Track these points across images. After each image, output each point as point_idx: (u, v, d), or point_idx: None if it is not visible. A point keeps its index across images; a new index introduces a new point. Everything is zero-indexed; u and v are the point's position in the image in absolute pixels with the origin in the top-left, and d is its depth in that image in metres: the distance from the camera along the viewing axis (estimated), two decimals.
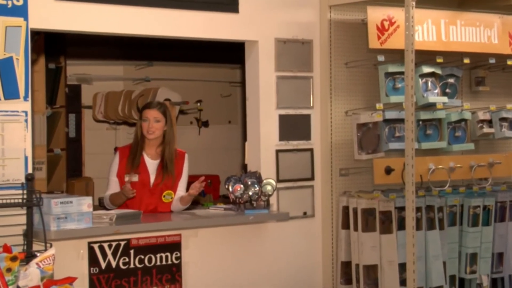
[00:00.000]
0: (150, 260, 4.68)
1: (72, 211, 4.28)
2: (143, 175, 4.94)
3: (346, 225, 5.45)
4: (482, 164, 5.91)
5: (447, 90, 5.86)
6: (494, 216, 5.86)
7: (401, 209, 5.35)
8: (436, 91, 5.76)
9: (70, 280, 4.14)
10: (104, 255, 4.54)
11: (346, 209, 5.44)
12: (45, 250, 4.08)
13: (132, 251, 4.62)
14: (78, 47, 7.66)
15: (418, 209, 5.44)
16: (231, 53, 7.19)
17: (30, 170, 4.34)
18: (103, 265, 4.53)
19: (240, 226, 5.09)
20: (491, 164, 5.96)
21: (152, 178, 4.96)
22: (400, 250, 5.35)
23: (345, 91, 5.59)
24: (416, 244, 4.95)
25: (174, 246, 4.78)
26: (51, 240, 4.16)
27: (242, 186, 5.02)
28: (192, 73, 8.85)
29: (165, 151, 4.97)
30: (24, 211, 4.19)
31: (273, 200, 5.24)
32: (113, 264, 4.56)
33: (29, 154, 4.36)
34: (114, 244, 4.56)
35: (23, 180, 4.22)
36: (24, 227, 4.20)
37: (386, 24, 5.45)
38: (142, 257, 4.66)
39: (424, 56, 5.60)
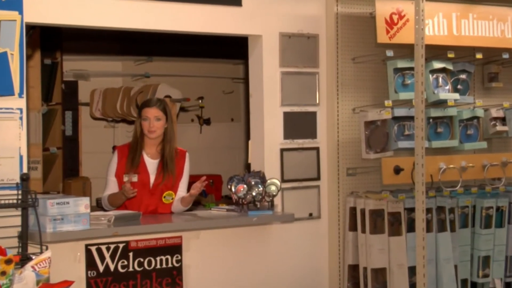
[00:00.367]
0: (149, 263, 4.69)
1: (69, 212, 4.28)
2: (142, 175, 4.94)
3: (353, 227, 5.45)
4: (495, 164, 5.91)
5: (459, 87, 5.85)
6: (508, 218, 5.86)
7: (411, 210, 5.35)
8: (447, 87, 5.76)
9: (67, 284, 4.14)
10: (102, 258, 4.54)
11: (353, 210, 5.44)
12: (41, 252, 4.08)
13: (131, 254, 4.63)
14: (75, 41, 7.67)
15: (429, 210, 5.44)
16: (234, 48, 7.18)
17: (25, 170, 4.34)
18: (101, 268, 4.53)
19: (243, 228, 5.10)
20: (505, 164, 5.96)
21: (152, 178, 4.97)
22: (410, 253, 5.35)
23: (353, 87, 5.59)
24: (426, 247, 4.95)
25: (175, 249, 4.78)
26: (47, 242, 4.15)
27: (245, 186, 5.02)
28: (194, 69, 8.87)
29: (165, 149, 4.98)
30: (19, 212, 4.19)
31: (277, 201, 5.24)
32: (111, 267, 4.56)
33: (24, 153, 4.36)
34: (112, 246, 4.57)
35: (18, 180, 4.23)
36: (19, 228, 4.20)
37: (395, 17, 5.45)
38: (142, 260, 4.66)
39: (435, 51, 5.60)
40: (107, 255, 4.55)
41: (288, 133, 5.41)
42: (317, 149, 5.53)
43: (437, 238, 5.55)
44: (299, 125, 5.45)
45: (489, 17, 5.81)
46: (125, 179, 4.85)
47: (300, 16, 5.46)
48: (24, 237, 4.18)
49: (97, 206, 6.48)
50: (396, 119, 5.58)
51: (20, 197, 4.14)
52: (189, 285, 4.82)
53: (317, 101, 5.52)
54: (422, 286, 4.92)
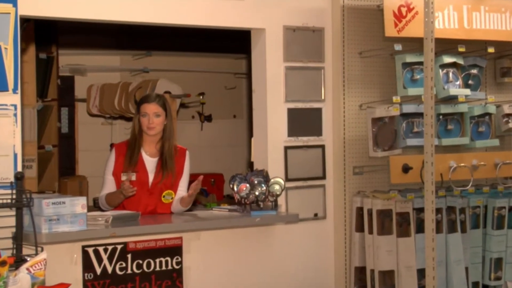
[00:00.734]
0: (148, 265, 4.69)
1: (65, 213, 4.28)
2: (141, 173, 4.95)
3: (360, 228, 5.45)
4: (508, 162, 5.91)
5: (470, 82, 5.85)
6: None
7: (420, 210, 5.36)
8: (458, 82, 5.75)
9: (63, 286, 4.15)
10: (99, 260, 4.55)
11: (360, 210, 5.45)
12: (36, 254, 4.09)
13: (129, 256, 4.63)
14: (71, 35, 7.67)
15: (438, 211, 5.44)
16: (236, 42, 7.19)
17: (19, 168, 4.35)
18: (98, 270, 4.54)
19: (245, 229, 5.10)
20: None
21: (151, 177, 4.97)
22: (419, 254, 5.36)
23: (359, 83, 5.59)
24: (436, 248, 4.95)
25: (175, 250, 4.79)
26: (42, 244, 4.16)
27: (248, 185, 5.02)
28: (194, 64, 8.87)
29: (164, 146, 4.98)
30: (13, 212, 4.19)
31: (281, 200, 5.25)
32: (109, 269, 4.57)
33: (19, 151, 4.36)
34: (110, 248, 4.57)
35: (12, 179, 4.24)
36: (13, 229, 4.21)
37: (403, 10, 5.45)
38: (140, 262, 4.67)
39: (445, 45, 5.60)
40: (104, 257, 4.55)
41: (293, 130, 5.42)
42: (322, 147, 5.53)
43: (447, 239, 5.56)
44: (304, 122, 5.45)
45: (502, 9, 5.81)
46: (123, 177, 4.85)
47: (305, 8, 5.46)
48: (18, 238, 4.19)
49: (94, 206, 6.48)
50: (404, 115, 5.58)
51: (14, 196, 4.15)
52: (189, 287, 4.84)
53: (323, 97, 5.52)
54: None
